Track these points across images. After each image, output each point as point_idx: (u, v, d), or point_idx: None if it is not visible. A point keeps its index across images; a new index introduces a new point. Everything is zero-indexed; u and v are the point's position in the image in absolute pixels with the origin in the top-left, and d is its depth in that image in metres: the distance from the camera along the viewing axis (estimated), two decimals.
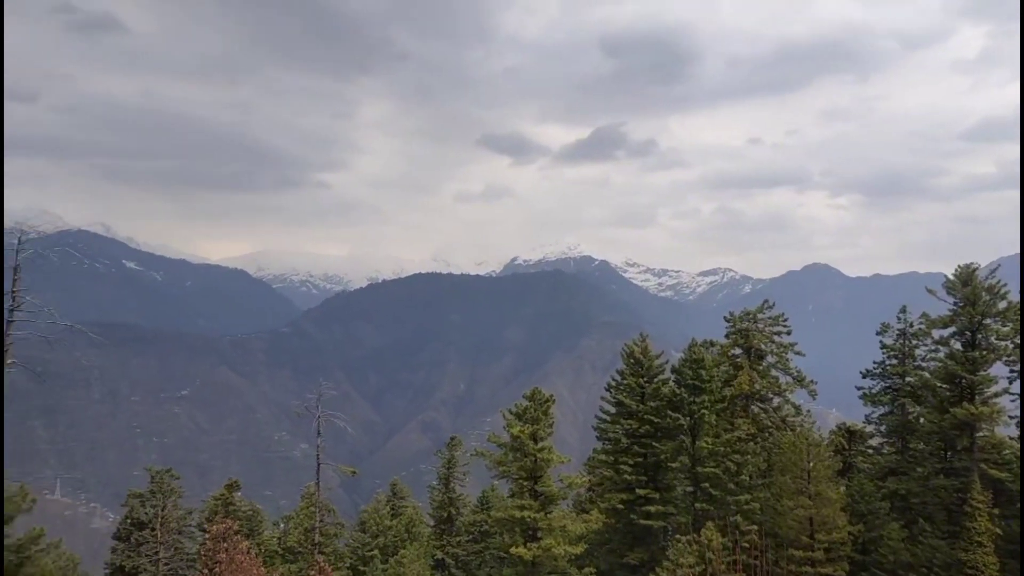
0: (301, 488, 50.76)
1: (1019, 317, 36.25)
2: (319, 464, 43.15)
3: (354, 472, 43.68)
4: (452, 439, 51.14)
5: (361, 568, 43.90)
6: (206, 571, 24.90)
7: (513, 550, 31.01)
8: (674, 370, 39.01)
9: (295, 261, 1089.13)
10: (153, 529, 35.16)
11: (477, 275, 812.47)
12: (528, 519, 31.49)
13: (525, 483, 32.95)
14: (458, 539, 47.55)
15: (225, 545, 22.79)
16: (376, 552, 44.55)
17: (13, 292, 36.21)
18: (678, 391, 37.87)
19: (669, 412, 37.35)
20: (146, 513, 37.53)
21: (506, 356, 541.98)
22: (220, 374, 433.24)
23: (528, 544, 31.27)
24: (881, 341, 42.92)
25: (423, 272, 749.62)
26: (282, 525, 48.45)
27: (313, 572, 25.26)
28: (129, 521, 38.78)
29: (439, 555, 45.97)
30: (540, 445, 32.56)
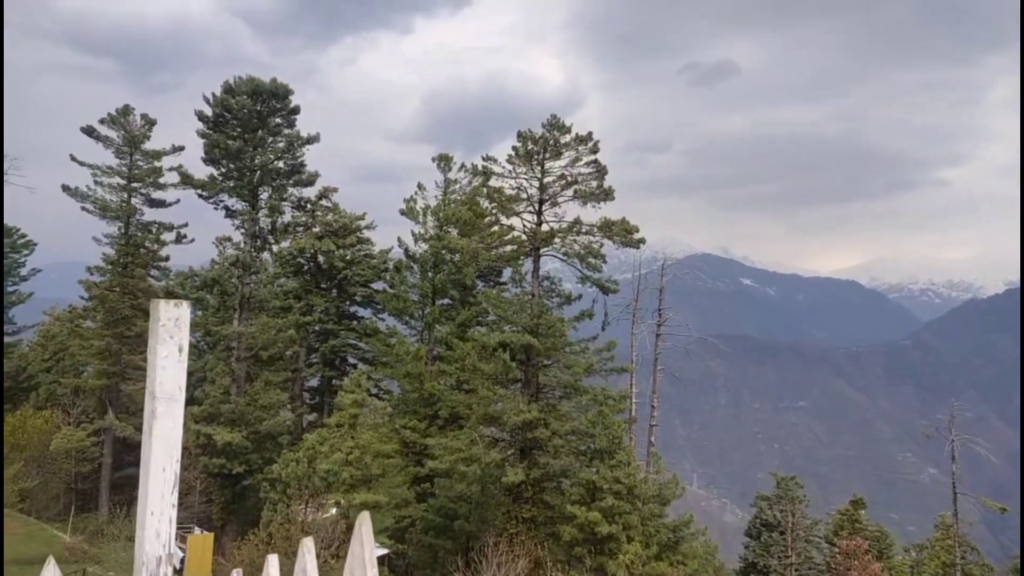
0: (933, 516, 46.40)
1: None
2: (955, 494, 38.75)
3: (1004, 510, 37.69)
4: None
5: None
6: None
7: None
8: None
9: (912, 268, 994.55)
10: (782, 532, 37.07)
11: None
12: None
13: None
14: None
15: (855, 563, 22.60)
16: None
17: (659, 309, 43.51)
18: None
19: None
20: (774, 516, 39.81)
21: None
22: (836, 386, 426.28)
23: None
24: None
25: None
26: (914, 553, 44.89)
27: None
28: (759, 521, 41.79)
29: None
30: None
